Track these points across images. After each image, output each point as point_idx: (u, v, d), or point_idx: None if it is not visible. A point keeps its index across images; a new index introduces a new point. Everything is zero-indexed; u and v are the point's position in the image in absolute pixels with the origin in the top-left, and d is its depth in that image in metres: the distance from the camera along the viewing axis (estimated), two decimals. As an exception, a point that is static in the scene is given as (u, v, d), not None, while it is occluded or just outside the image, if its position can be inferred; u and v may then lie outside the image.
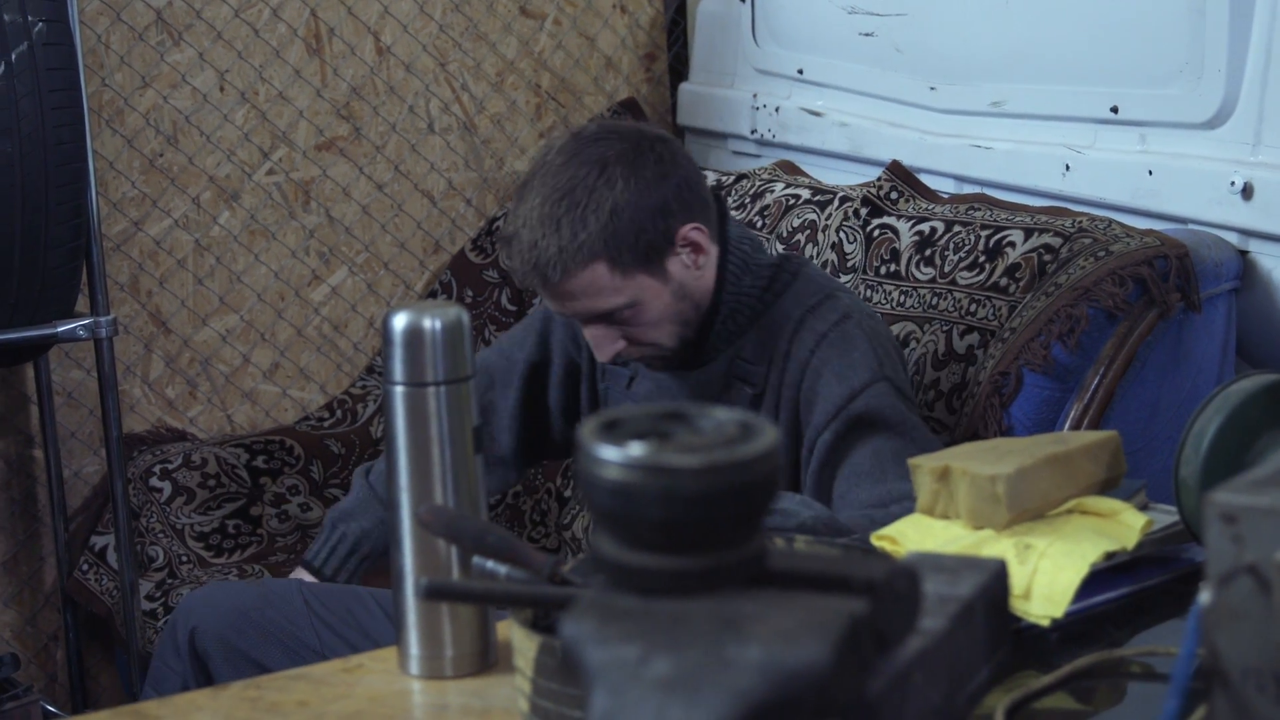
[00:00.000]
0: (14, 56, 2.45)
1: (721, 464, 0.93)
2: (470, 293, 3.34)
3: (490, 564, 1.33)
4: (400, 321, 1.42)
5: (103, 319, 2.75)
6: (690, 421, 0.98)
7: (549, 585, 1.27)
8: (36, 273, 2.56)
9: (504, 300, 3.32)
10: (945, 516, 1.56)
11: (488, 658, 1.45)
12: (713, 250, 2.08)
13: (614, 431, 0.97)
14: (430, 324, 1.42)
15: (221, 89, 3.19)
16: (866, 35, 2.96)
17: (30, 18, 2.47)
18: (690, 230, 2.03)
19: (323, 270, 3.33)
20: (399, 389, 1.43)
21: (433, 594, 1.26)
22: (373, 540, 2.24)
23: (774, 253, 2.29)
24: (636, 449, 0.94)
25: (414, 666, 1.44)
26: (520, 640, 1.25)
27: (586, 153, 1.98)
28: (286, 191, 3.27)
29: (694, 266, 2.05)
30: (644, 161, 1.99)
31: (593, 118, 3.50)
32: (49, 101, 2.49)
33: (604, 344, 2.06)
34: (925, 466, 1.57)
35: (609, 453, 0.94)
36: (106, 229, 3.01)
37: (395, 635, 1.47)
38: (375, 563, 2.26)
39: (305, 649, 2.10)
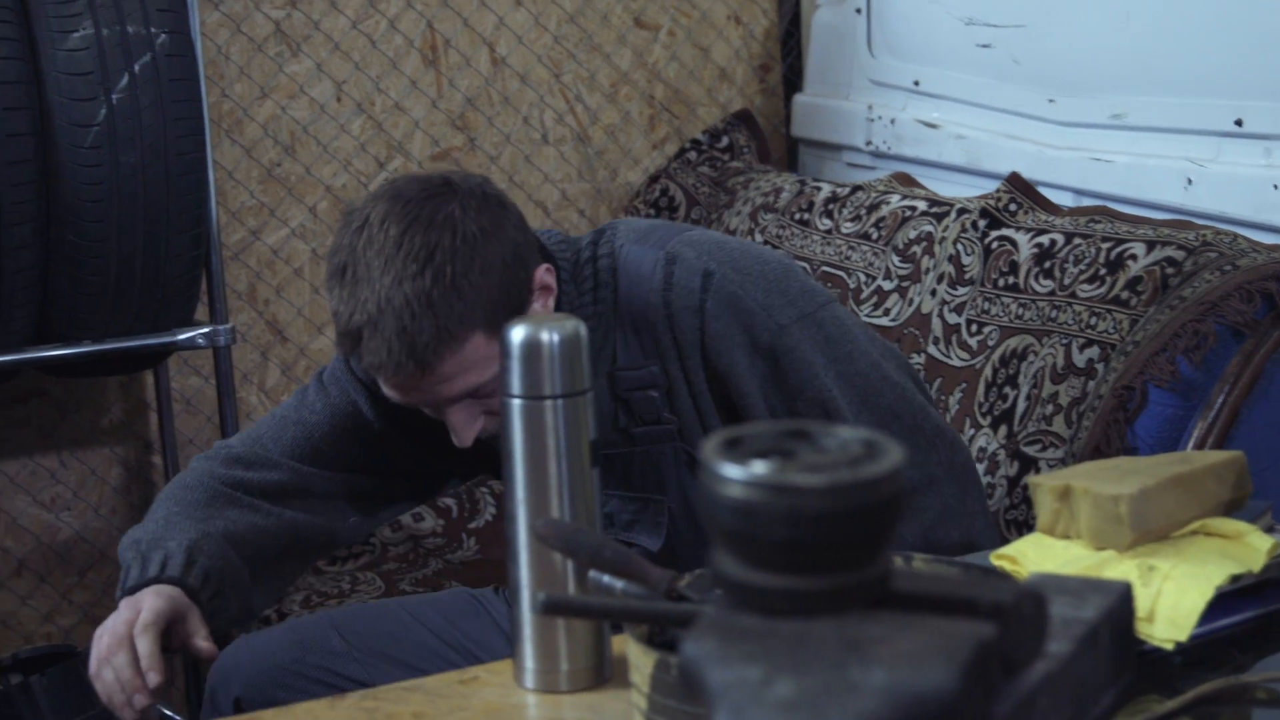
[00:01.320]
0: (137, 68, 2.48)
1: (846, 484, 0.91)
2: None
3: (606, 579, 1.32)
4: (518, 334, 1.42)
5: (221, 327, 2.79)
6: (814, 439, 0.97)
7: (666, 601, 1.26)
8: (157, 281, 2.59)
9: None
10: (1066, 536, 1.53)
11: (603, 672, 1.45)
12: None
13: (736, 449, 0.96)
14: (548, 337, 1.42)
15: (339, 99, 3.22)
16: (984, 47, 2.93)
17: (153, 29, 2.51)
18: (543, 273, 1.83)
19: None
20: (516, 402, 1.43)
21: (550, 609, 1.26)
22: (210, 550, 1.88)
23: (569, 241, 1.98)
24: (760, 467, 0.93)
25: (529, 680, 1.44)
26: (636, 656, 1.24)
27: (424, 214, 1.73)
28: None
29: (545, 309, 1.85)
30: (487, 211, 1.77)
31: (707, 128, 3.50)
32: (171, 112, 2.53)
33: (469, 425, 1.79)
34: (1046, 485, 1.55)
35: (732, 471, 0.93)
36: (225, 238, 3.05)
37: (511, 647, 1.47)
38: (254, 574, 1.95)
39: (352, 683, 2.02)
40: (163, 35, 2.52)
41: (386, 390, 1.78)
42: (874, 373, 1.90)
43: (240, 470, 1.97)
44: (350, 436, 2.01)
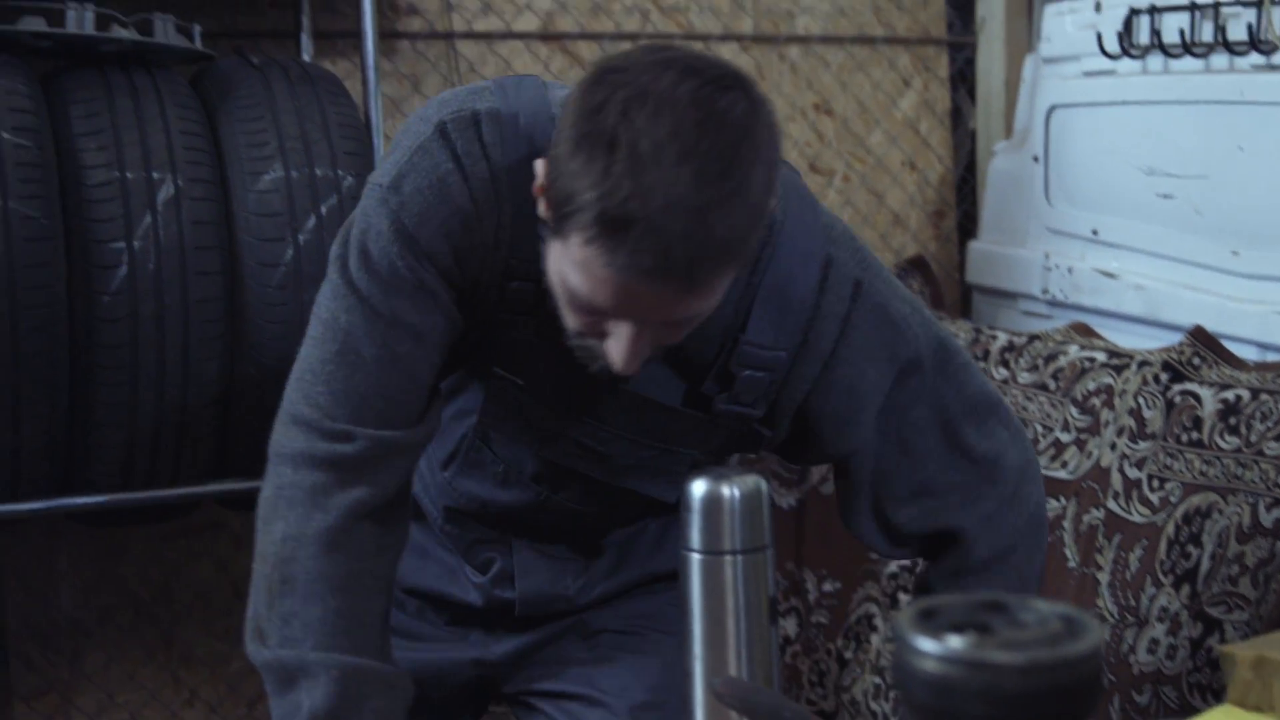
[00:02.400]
0: (324, 209, 2.54)
1: (1046, 662, 0.89)
2: (752, 447, 3.32)
3: (786, 741, 1.30)
4: (699, 489, 1.42)
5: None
6: (1011, 613, 0.95)
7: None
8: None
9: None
10: (1259, 709, 1.48)
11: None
12: None
13: (931, 622, 0.94)
14: (729, 492, 1.41)
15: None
16: (1164, 197, 2.89)
17: (340, 172, 2.57)
18: (774, 204, 1.56)
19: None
20: (696, 556, 1.42)
21: (729, 770, 1.24)
22: None
23: None
24: (956, 642, 0.91)
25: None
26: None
27: (722, 108, 1.43)
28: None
29: None
30: (771, 120, 1.50)
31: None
32: (355, 253, 2.57)
33: (640, 355, 1.56)
34: (1238, 655, 1.50)
35: (927, 645, 0.91)
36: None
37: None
38: None
39: None
40: (349, 178, 2.58)
41: (594, 291, 1.48)
42: (984, 399, 1.87)
43: (364, 492, 1.68)
44: (442, 341, 1.72)
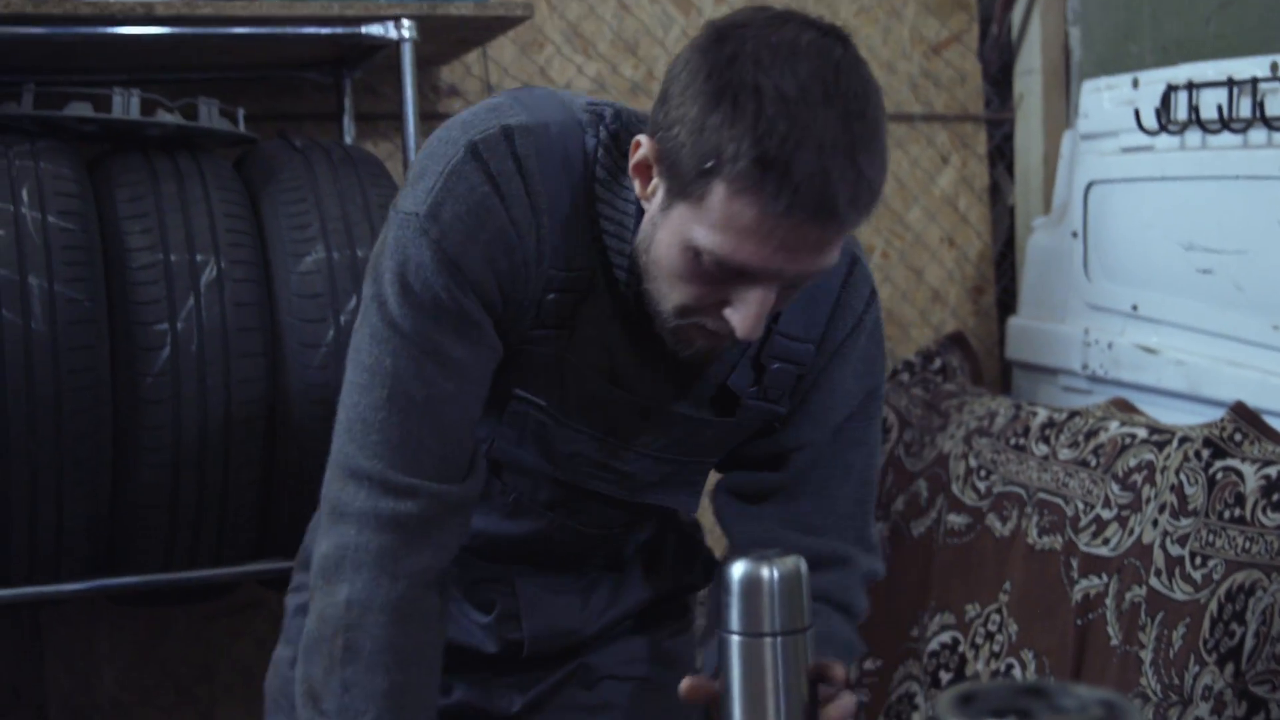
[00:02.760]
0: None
1: (1086, 748, 0.89)
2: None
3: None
4: (737, 570, 1.42)
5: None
6: (1051, 698, 0.95)
7: None
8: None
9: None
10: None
11: None
12: None
13: (971, 706, 0.94)
14: (769, 573, 1.41)
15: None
16: (1204, 272, 2.89)
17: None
18: None
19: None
20: (735, 639, 1.42)
21: None
22: None
23: None
24: (996, 728, 0.91)
25: None
26: None
27: (841, 51, 1.47)
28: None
29: None
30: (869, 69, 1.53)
31: (920, 349, 3.48)
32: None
33: (763, 320, 1.55)
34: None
35: (967, 731, 0.91)
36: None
37: None
38: None
39: None
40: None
41: (737, 245, 1.47)
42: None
43: (430, 557, 1.66)
44: (486, 375, 1.68)
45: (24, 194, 2.37)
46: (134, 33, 2.51)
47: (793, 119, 1.40)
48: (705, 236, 1.47)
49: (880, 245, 3.56)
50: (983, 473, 2.99)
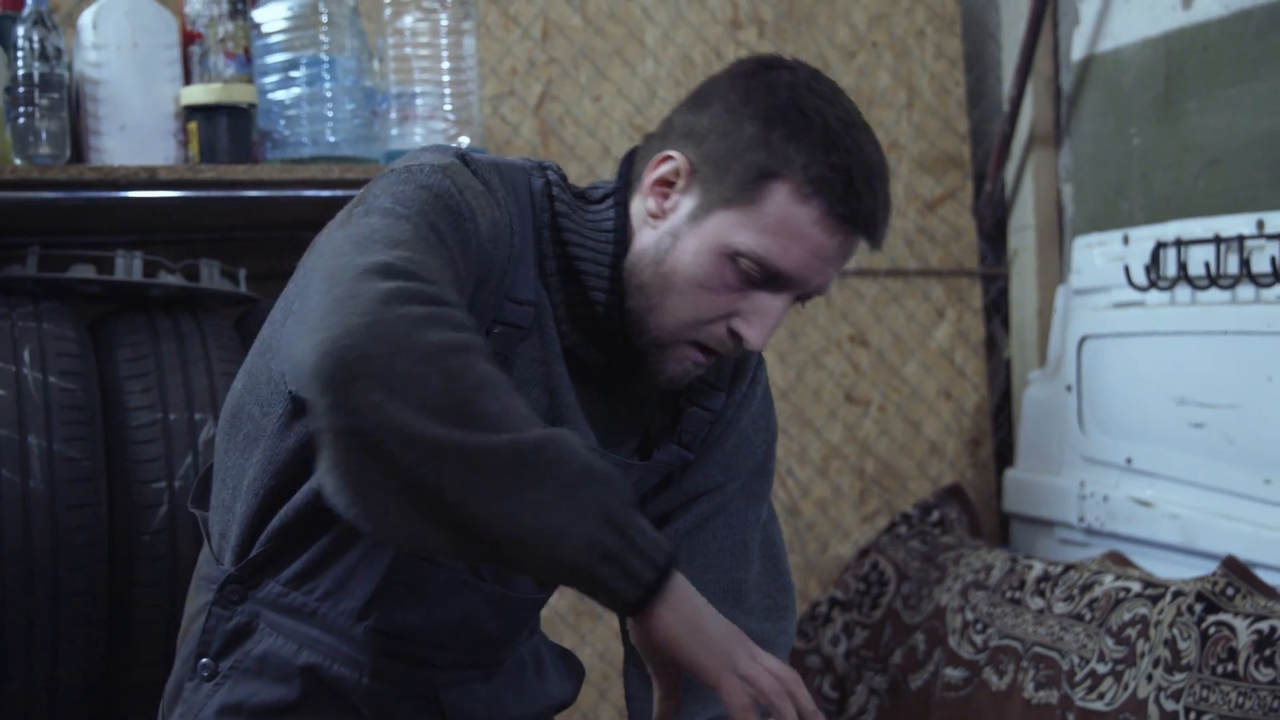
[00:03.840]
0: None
1: None
2: (792, 678, 3.30)
3: None
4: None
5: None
6: None
7: None
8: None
9: (826, 687, 3.28)
10: None
11: None
12: None
13: None
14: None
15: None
16: (1197, 426, 2.91)
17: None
18: None
19: (646, 652, 3.36)
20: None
21: None
22: None
23: None
24: None
25: None
26: None
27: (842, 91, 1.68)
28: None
29: None
30: None
31: (917, 502, 3.50)
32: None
33: (772, 331, 1.67)
34: None
35: None
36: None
37: None
38: None
39: None
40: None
41: (786, 247, 1.58)
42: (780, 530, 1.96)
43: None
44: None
45: (26, 355, 2.41)
46: (138, 197, 2.57)
47: (852, 140, 1.59)
48: (753, 239, 1.59)
49: (878, 399, 3.58)
50: (979, 626, 2.99)
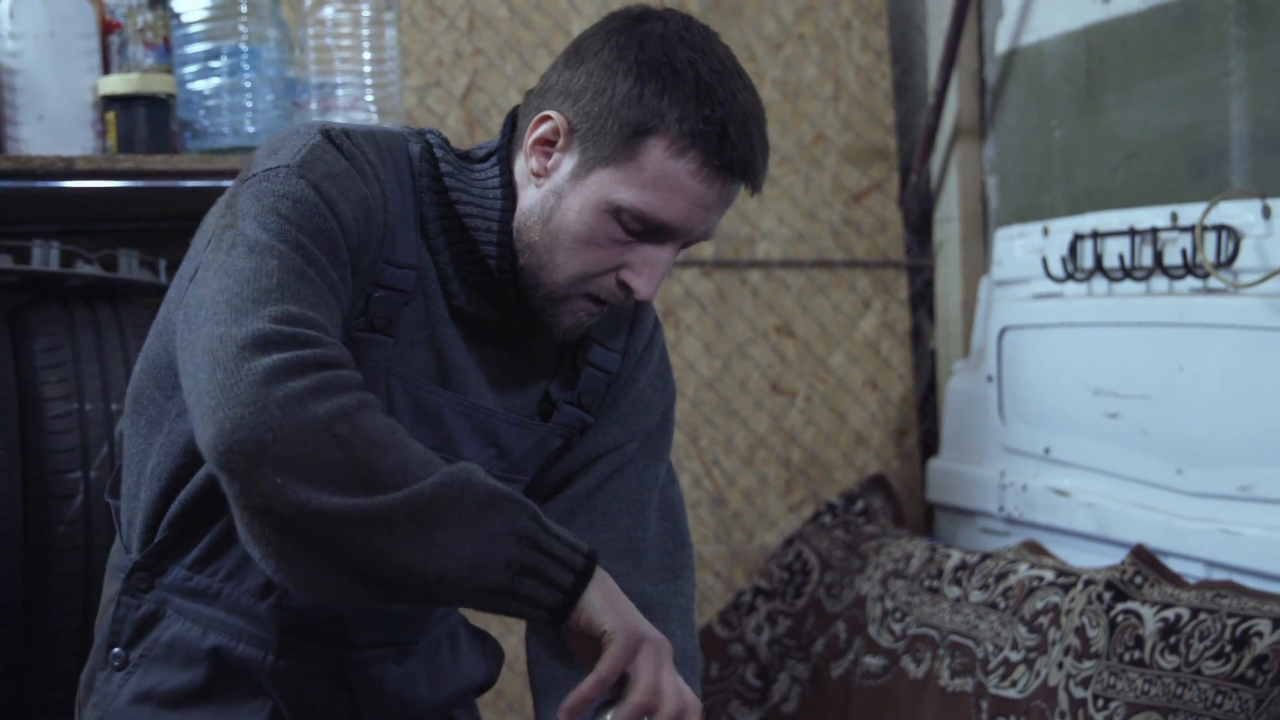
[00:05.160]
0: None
1: None
2: (716, 667, 3.33)
3: None
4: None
5: None
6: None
7: None
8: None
9: (749, 675, 3.30)
10: None
11: None
12: None
13: None
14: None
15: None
16: (1112, 416, 2.95)
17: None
18: None
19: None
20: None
21: None
22: None
23: None
24: None
25: None
26: None
27: (720, 40, 1.69)
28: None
29: None
30: None
31: (842, 492, 3.52)
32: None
33: (661, 280, 1.70)
34: None
35: None
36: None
37: None
38: None
39: None
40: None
41: (666, 199, 1.62)
42: (681, 494, 1.99)
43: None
44: (344, 308, 1.61)
45: (-59, 344, 2.41)
46: (55, 186, 2.56)
47: (725, 89, 1.61)
48: (633, 195, 1.62)
49: (804, 389, 3.61)
50: (898, 614, 3.01)
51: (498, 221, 1.70)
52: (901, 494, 3.61)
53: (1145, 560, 2.60)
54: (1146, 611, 2.49)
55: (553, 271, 1.68)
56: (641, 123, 1.60)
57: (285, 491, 1.37)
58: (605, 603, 1.50)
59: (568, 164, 1.66)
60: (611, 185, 1.62)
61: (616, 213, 1.63)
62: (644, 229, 1.64)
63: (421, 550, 1.40)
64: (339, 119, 2.73)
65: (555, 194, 1.66)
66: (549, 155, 1.68)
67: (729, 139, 1.60)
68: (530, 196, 1.69)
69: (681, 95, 1.60)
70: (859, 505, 3.48)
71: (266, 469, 1.37)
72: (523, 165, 1.71)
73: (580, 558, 1.48)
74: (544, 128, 1.67)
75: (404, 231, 1.68)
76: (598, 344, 1.84)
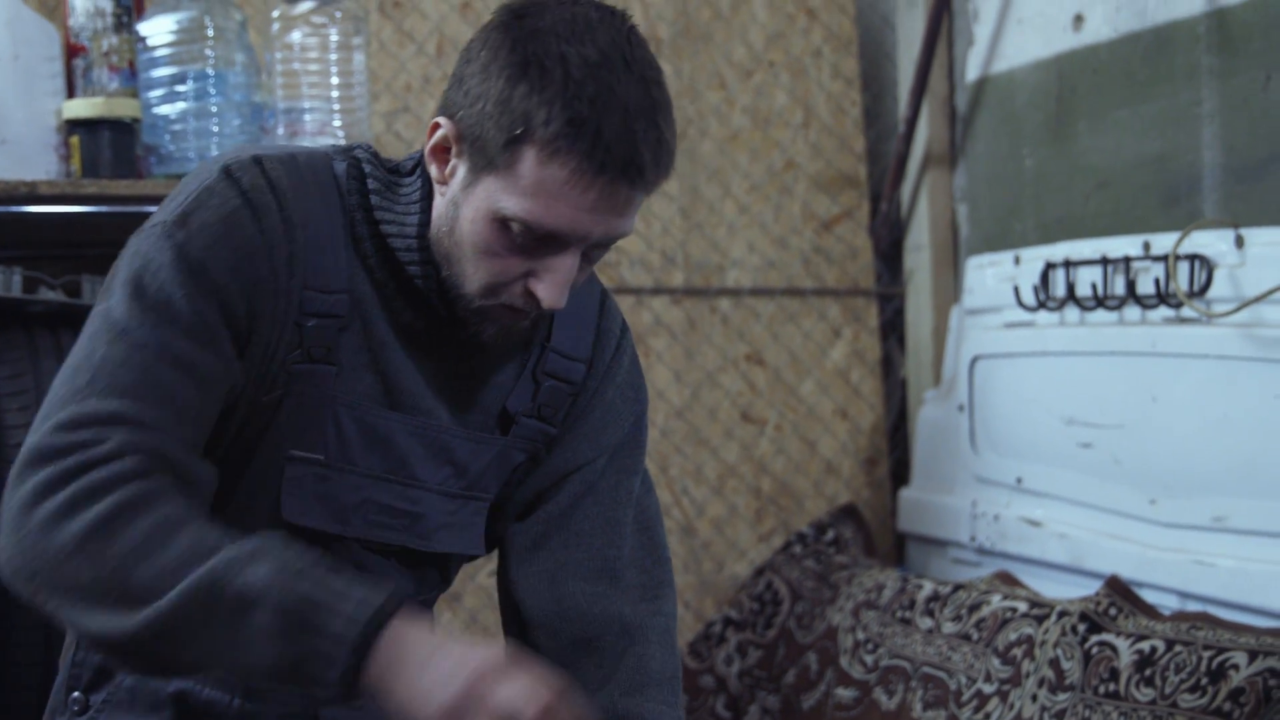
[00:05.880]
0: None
1: None
2: (686, 698, 3.30)
3: None
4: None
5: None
6: None
7: None
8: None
9: (719, 707, 3.28)
10: None
11: None
12: None
13: None
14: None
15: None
16: (1085, 446, 2.93)
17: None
18: None
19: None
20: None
21: None
22: None
23: None
24: None
25: None
26: None
27: (628, 25, 1.57)
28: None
29: None
30: None
31: (813, 521, 3.50)
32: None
33: (567, 287, 1.61)
34: None
35: None
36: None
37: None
38: None
39: None
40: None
41: (546, 207, 1.53)
42: (658, 504, 1.94)
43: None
44: (217, 390, 1.59)
45: (-99, 369, 2.37)
46: (18, 211, 2.53)
47: (599, 83, 1.49)
48: (515, 204, 1.53)
49: (774, 418, 3.59)
50: (870, 646, 2.99)
51: (415, 235, 1.66)
52: (872, 524, 3.58)
53: (1119, 591, 2.59)
54: (1121, 643, 2.47)
55: (464, 282, 1.63)
56: (513, 128, 1.51)
57: (62, 614, 1.43)
58: (403, 683, 1.37)
59: (461, 171, 1.60)
60: (496, 194, 1.55)
61: (505, 222, 1.56)
62: (534, 239, 1.56)
63: (196, 653, 1.41)
64: (307, 144, 2.71)
65: (453, 203, 1.61)
66: (446, 162, 1.62)
67: (601, 138, 1.49)
68: (439, 206, 1.64)
69: (549, 96, 1.50)
70: (830, 535, 3.46)
71: (41, 595, 1.43)
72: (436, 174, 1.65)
73: (357, 629, 1.37)
74: (436, 135, 1.61)
75: (331, 255, 1.64)
76: (558, 354, 1.79)
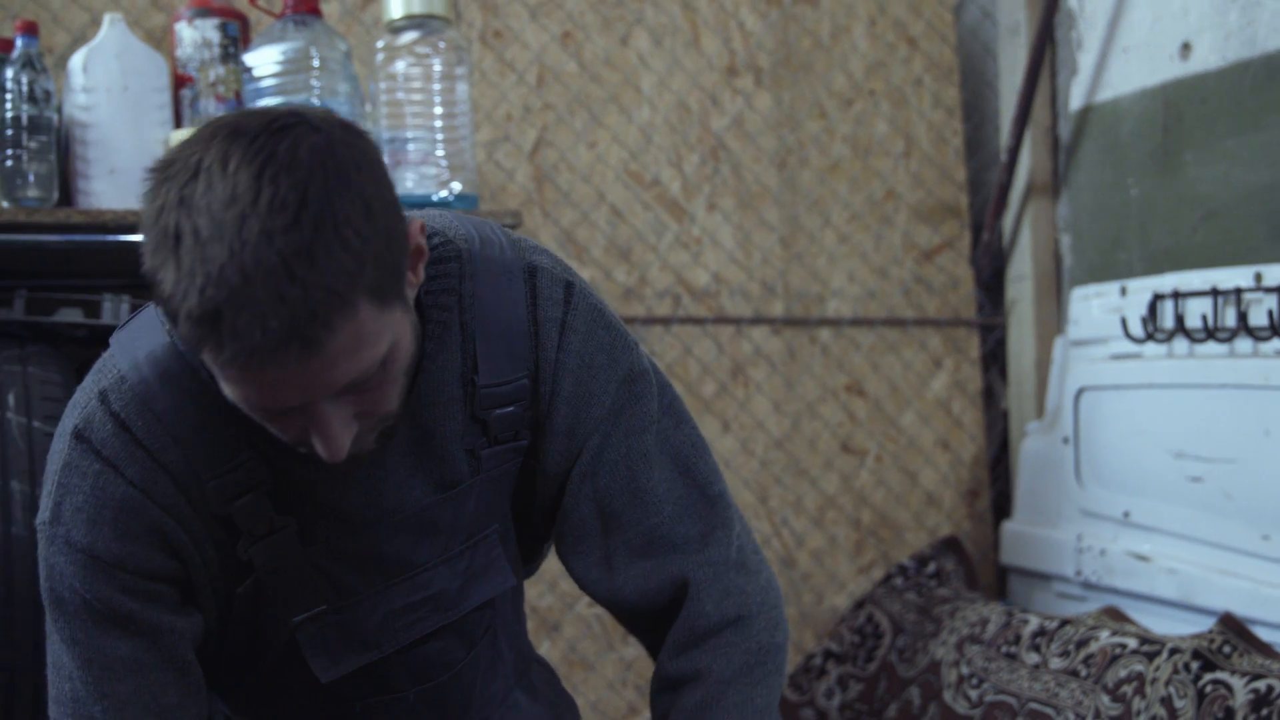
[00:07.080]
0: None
1: None
2: (785, 732, 3.27)
3: None
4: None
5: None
6: None
7: None
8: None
9: (819, 741, 3.24)
10: None
11: None
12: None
13: None
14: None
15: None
16: (1195, 480, 2.88)
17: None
18: (416, 230, 1.46)
19: (639, 703, 3.32)
20: None
21: None
22: None
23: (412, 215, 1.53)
24: None
25: None
26: None
27: (281, 150, 1.30)
28: (606, 622, 3.30)
29: (416, 280, 1.48)
30: (354, 139, 1.36)
31: (914, 553, 3.46)
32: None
33: (342, 433, 1.41)
34: None
35: None
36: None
37: None
38: None
39: None
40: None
41: (244, 394, 1.36)
42: (694, 434, 1.80)
43: None
44: (176, 644, 1.61)
45: (10, 398, 2.39)
46: (126, 240, 2.54)
47: (208, 263, 1.26)
48: (225, 389, 1.38)
49: (874, 449, 3.55)
50: (974, 681, 2.95)
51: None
52: (974, 556, 3.54)
53: (1234, 628, 2.53)
54: (1236, 682, 2.42)
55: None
56: (169, 318, 1.32)
57: None
58: None
59: None
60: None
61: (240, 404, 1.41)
62: (271, 414, 1.40)
63: None
64: (410, 174, 2.71)
65: None
66: None
67: (221, 331, 1.27)
68: None
69: (171, 284, 1.29)
70: (931, 567, 3.42)
71: None
72: None
73: None
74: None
75: (216, 440, 1.54)
76: (490, 388, 1.65)
